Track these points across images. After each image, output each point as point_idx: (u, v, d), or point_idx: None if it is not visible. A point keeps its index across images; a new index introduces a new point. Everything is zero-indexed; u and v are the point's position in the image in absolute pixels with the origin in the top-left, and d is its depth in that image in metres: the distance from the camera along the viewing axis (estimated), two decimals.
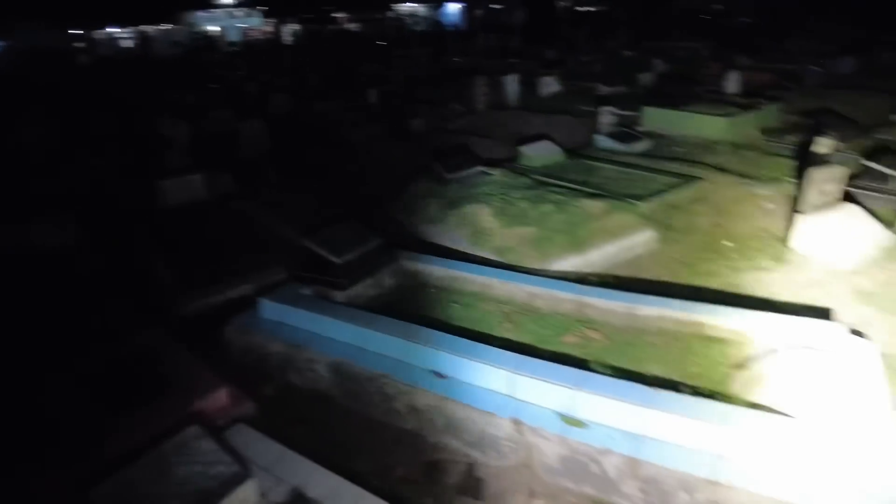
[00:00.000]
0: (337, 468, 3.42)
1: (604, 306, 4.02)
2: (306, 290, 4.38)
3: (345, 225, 4.70)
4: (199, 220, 6.76)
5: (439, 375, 3.53)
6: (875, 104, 9.87)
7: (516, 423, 3.14)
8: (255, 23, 39.91)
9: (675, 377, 3.36)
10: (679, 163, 7.38)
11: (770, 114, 9.46)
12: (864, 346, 3.47)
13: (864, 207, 5.46)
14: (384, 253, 4.68)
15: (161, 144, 9.36)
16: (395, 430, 3.67)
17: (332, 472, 3.23)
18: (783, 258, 5.07)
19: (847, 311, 4.23)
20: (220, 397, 3.83)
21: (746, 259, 5.17)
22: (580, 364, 3.50)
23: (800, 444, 2.61)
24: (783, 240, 5.29)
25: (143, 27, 33.86)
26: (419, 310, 4.32)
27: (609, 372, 3.33)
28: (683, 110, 9.09)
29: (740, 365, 3.33)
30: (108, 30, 34.24)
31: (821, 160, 5.19)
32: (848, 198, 5.47)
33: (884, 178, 6.20)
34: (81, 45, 31.59)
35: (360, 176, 8.52)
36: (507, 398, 3.27)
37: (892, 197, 5.91)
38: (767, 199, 6.22)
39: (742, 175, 6.88)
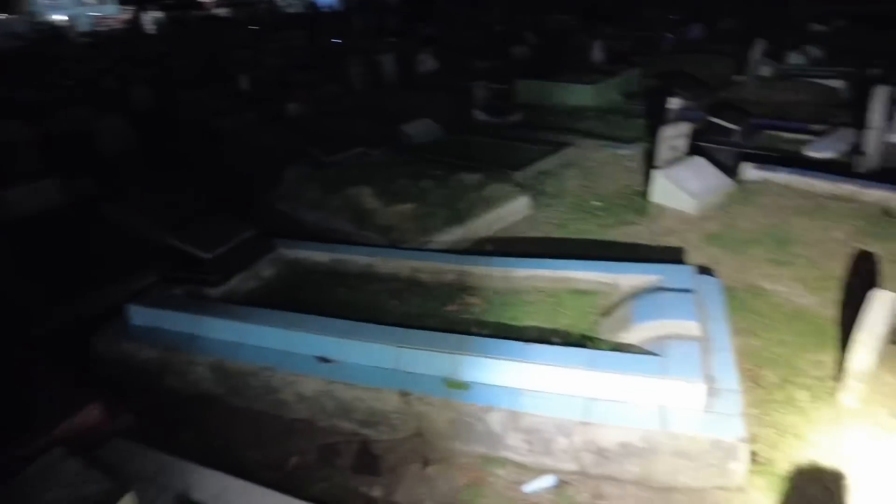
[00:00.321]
0: (227, 467, 3.32)
1: (482, 273, 4.15)
2: (178, 291, 4.16)
3: (214, 218, 4.50)
4: (57, 227, 6.19)
5: (325, 360, 3.50)
6: (720, 66, 10.83)
7: (403, 394, 3.19)
8: (109, 11, 36.45)
9: (548, 329, 3.55)
10: (550, 131, 7.72)
11: (631, 79, 10.12)
12: (711, 283, 3.86)
13: (711, 159, 6.01)
14: (260, 243, 4.53)
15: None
16: (285, 421, 3.60)
17: (221, 471, 3.14)
18: (645, 211, 5.48)
19: (699, 252, 4.67)
20: (92, 414, 3.56)
21: (613, 215, 5.54)
22: (461, 329, 3.62)
23: (657, 377, 2.86)
24: (644, 194, 5.71)
25: None
26: (302, 297, 4.24)
27: (487, 333, 3.46)
28: (553, 81, 9.48)
29: (606, 312, 3.58)
30: None
31: (670, 119, 5.62)
32: (696, 151, 5.98)
33: (727, 132, 6.84)
34: None
35: (234, 166, 8.14)
36: (394, 372, 3.31)
37: (734, 148, 6.55)
38: (629, 158, 6.68)
39: (607, 138, 7.33)
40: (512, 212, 5.67)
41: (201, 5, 40.35)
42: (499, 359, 3.08)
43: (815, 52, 10.87)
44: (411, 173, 6.15)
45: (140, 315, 4.04)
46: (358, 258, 4.52)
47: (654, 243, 4.89)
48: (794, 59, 10.60)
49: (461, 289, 4.16)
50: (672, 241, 4.86)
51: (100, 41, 26.27)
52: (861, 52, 10.15)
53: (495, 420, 3.02)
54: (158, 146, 9.23)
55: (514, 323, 3.69)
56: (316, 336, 3.50)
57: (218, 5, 40.16)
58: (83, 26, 31.24)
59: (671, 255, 4.59)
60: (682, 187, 5.25)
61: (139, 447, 3.29)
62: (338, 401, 3.39)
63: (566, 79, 9.50)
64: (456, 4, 26.64)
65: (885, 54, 10.24)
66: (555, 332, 3.52)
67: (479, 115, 8.97)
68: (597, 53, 11.42)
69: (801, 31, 13.19)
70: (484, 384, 3.12)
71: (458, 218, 5.37)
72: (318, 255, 4.63)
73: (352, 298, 4.20)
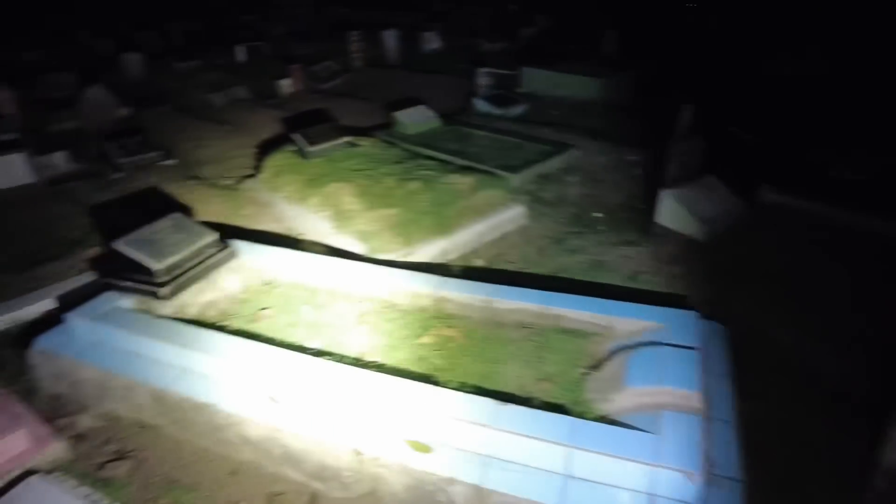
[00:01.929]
0: None
1: (463, 300, 3.72)
2: (124, 303, 3.74)
3: (170, 218, 4.04)
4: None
5: (275, 400, 3.10)
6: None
7: (357, 452, 2.80)
8: None
9: (530, 379, 3.13)
10: (553, 128, 7.20)
11: (646, 73, 9.48)
12: (717, 333, 3.43)
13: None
14: (220, 249, 4.10)
15: None
16: (230, 461, 3.23)
17: None
18: (649, 231, 5.02)
19: (705, 287, 4.21)
20: (17, 441, 3.18)
21: (614, 232, 5.08)
22: (432, 370, 3.22)
23: (648, 463, 2.45)
24: (650, 210, 5.22)
25: None
26: (261, 317, 3.82)
27: (455, 385, 3.04)
28: (559, 71, 8.89)
29: (595, 365, 3.15)
30: None
31: (684, 131, 5.09)
32: (708, 168, 5.44)
33: (745, 142, 6.33)
34: None
35: (222, 149, 7.67)
36: (350, 422, 2.92)
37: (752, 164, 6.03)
38: (637, 165, 6.19)
39: (615, 140, 6.81)
40: (505, 222, 5.22)
41: None
42: (467, 421, 2.67)
43: None
44: (398, 171, 5.67)
45: (80, 327, 3.63)
46: (329, 272, 4.09)
47: (656, 273, 4.43)
48: None
49: (438, 317, 3.74)
50: (676, 271, 4.41)
51: None
52: None
53: (459, 493, 2.63)
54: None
55: (492, 365, 3.27)
56: (263, 371, 3.09)
57: None
58: None
59: (675, 290, 4.15)
60: (691, 211, 4.77)
61: (57, 490, 2.93)
62: (285, 448, 3.00)
63: (574, 69, 8.89)
64: None
65: None
66: (537, 383, 3.11)
67: (481, 105, 8.44)
68: (608, 43, 10.77)
69: None
70: (449, 447, 2.72)
71: (445, 227, 4.92)
72: (285, 265, 4.20)
73: (316, 319, 3.78)
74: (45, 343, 3.67)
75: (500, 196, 5.34)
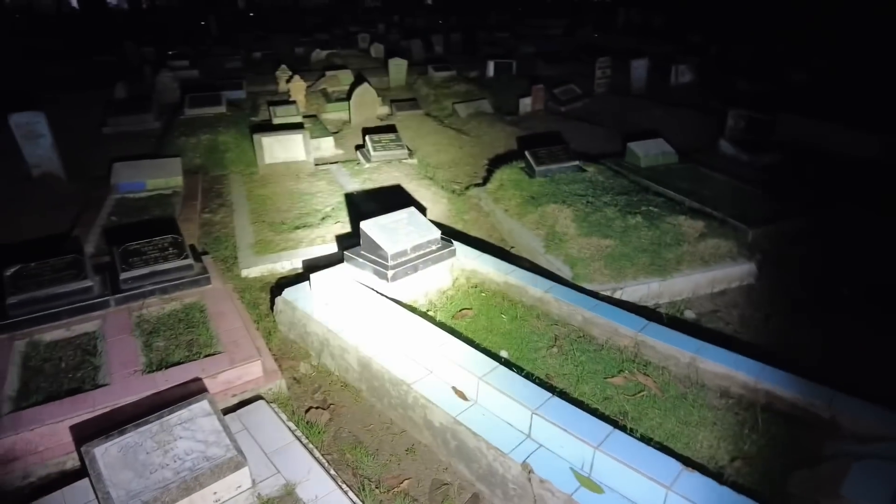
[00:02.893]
0: (346, 466, 3.34)
1: (664, 350, 3.52)
2: (355, 275, 4.27)
3: (406, 212, 4.49)
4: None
5: (461, 395, 3.29)
6: None
7: (526, 468, 2.83)
8: None
9: (724, 453, 2.85)
10: (807, 185, 6.38)
11: None
12: None
13: None
14: (443, 247, 4.44)
15: None
16: (410, 439, 3.51)
17: (337, 473, 3.15)
18: None
19: None
20: (253, 370, 3.85)
21: (865, 316, 4.34)
22: (614, 413, 3.11)
23: None
24: None
25: None
26: (462, 316, 4.06)
27: (639, 435, 2.89)
28: (829, 121, 7.83)
29: (806, 459, 2.75)
30: None
31: None
32: None
33: None
34: None
35: (457, 157, 8.28)
36: (524, 437, 2.97)
37: None
38: None
39: (887, 211, 5.80)
40: (730, 277, 4.80)
41: None
42: (646, 476, 2.54)
43: None
44: (621, 202, 5.55)
45: (319, 288, 4.24)
46: (531, 288, 4.18)
47: None
48: None
49: (634, 360, 3.59)
50: None
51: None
52: None
53: None
54: None
55: (684, 427, 3.05)
56: (456, 365, 3.29)
57: None
58: None
59: None
60: None
61: (275, 418, 3.45)
62: (461, 443, 3.16)
63: (849, 122, 7.75)
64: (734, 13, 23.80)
65: None
66: (731, 461, 2.82)
67: (725, 147, 7.84)
68: None
69: None
70: (620, 495, 2.62)
71: (660, 271, 4.69)
72: (493, 273, 4.40)
73: (512, 330, 3.90)
74: (289, 295, 4.37)
75: (730, 248, 4.92)
